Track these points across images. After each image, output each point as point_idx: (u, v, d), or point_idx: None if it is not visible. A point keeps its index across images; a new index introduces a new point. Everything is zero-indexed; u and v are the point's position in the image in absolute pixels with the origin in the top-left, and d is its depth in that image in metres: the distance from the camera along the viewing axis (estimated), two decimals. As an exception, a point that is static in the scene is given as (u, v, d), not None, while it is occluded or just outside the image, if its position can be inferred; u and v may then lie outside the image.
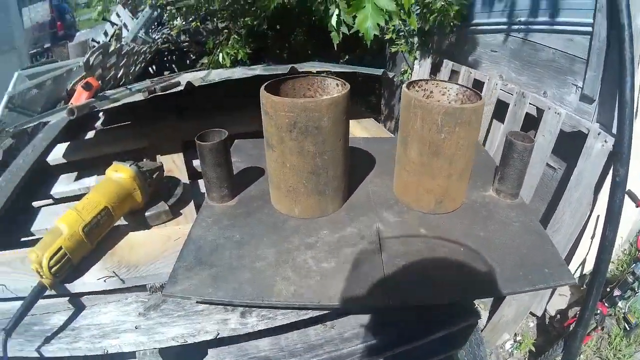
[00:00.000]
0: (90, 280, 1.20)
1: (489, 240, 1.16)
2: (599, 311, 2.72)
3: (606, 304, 2.77)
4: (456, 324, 1.27)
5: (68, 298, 1.23)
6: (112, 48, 3.32)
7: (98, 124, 3.06)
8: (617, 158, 2.15)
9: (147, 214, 1.44)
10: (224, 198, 1.31)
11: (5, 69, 4.76)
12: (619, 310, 3.04)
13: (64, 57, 8.98)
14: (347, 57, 4.59)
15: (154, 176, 1.49)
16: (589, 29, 2.33)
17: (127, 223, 1.47)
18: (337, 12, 2.23)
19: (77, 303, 1.24)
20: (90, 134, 2.79)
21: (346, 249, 1.11)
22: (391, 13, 2.03)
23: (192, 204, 1.56)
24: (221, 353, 1.20)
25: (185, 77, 2.73)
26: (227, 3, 4.36)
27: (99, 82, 2.52)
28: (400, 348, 1.20)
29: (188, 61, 4.98)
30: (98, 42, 6.33)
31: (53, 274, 1.11)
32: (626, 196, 2.62)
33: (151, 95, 1.95)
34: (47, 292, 1.16)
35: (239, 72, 2.39)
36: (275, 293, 0.98)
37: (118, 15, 6.43)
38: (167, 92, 2.00)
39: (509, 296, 2.76)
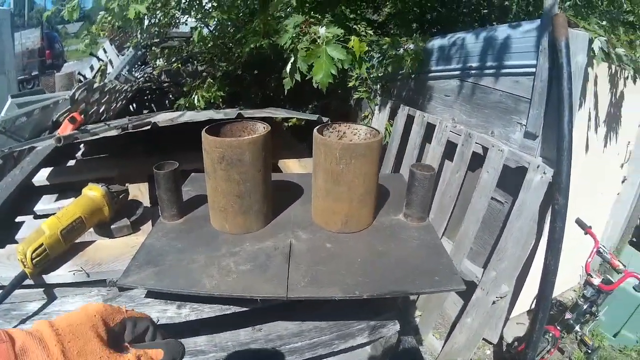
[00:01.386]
0: (62, 273, 1.43)
1: (386, 253, 1.37)
2: (550, 334, 2.86)
3: (558, 327, 2.90)
4: (374, 334, 1.45)
5: (43, 289, 1.45)
6: (96, 85, 3.47)
7: (79, 153, 3.25)
8: (556, 188, 2.32)
9: (112, 226, 1.68)
10: (174, 217, 1.55)
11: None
12: (577, 335, 3.16)
13: (50, 86, 9.13)
14: (316, 103, 4.76)
15: (120, 197, 1.75)
16: (533, 69, 2.52)
17: (96, 234, 1.71)
18: (292, 59, 2.41)
19: (51, 294, 1.47)
20: (72, 162, 3.02)
21: (262, 256, 1.34)
22: (342, 62, 2.22)
23: (150, 222, 1.78)
24: None
25: (160, 117, 2.94)
26: (207, 47, 4.55)
27: (82, 116, 2.71)
28: (316, 351, 1.39)
29: (167, 101, 5.16)
30: (84, 76, 6.47)
31: (34, 264, 1.33)
32: (577, 225, 2.81)
33: (124, 132, 2.21)
34: (28, 281, 1.38)
35: (204, 115, 2.61)
36: (201, 285, 1.21)
37: (105, 51, 6.58)
38: (138, 130, 2.24)
39: (459, 322, 2.88)
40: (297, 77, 2.43)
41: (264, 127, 1.46)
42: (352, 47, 2.37)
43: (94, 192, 1.64)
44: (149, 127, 2.24)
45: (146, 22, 4.40)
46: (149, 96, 5.60)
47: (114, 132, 2.25)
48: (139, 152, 2.95)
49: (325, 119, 1.93)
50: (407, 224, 1.55)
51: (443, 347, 3.10)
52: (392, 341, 1.51)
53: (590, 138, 2.80)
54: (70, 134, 2.22)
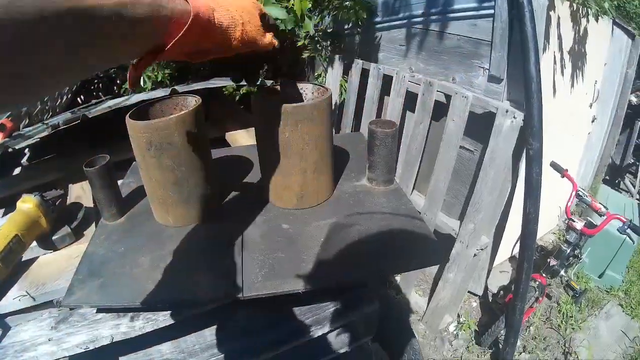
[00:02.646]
0: (7, 302, 1.34)
1: (352, 228, 1.20)
2: (537, 282, 2.80)
3: (544, 275, 2.85)
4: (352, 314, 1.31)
5: None
6: None
7: (24, 159, 3.07)
8: (529, 132, 2.20)
9: (53, 237, 1.56)
10: (114, 216, 1.36)
11: None
12: (562, 279, 3.12)
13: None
14: (265, 66, 4.59)
15: (57, 203, 1.64)
16: (491, 11, 2.40)
17: (40, 247, 1.59)
18: None
19: (4, 325, 1.33)
20: (17, 170, 2.84)
21: (211, 250, 1.17)
22: (284, 21, 2.06)
23: (93, 225, 1.63)
24: (129, 359, 1.28)
25: (106, 104, 2.76)
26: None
27: (13, 122, 2.55)
28: (288, 345, 1.26)
29: (115, 87, 4.93)
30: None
31: None
32: (552, 168, 2.73)
33: (54, 130, 2.04)
34: None
35: (145, 97, 2.44)
36: (146, 295, 1.04)
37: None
38: (69, 125, 2.07)
39: (442, 278, 2.81)
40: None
41: (195, 101, 1.26)
42: (293, 5, 2.22)
43: (27, 204, 1.53)
44: (78, 121, 2.07)
45: None
46: (96, 85, 5.36)
47: (45, 133, 2.08)
48: (83, 148, 2.77)
49: (269, 83, 1.76)
50: (372, 190, 1.37)
51: (428, 304, 3.05)
52: (374, 318, 1.38)
53: (557, 81, 2.71)
54: (0, 143, 2.09)
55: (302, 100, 1.32)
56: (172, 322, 1.20)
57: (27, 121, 3.19)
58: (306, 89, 1.32)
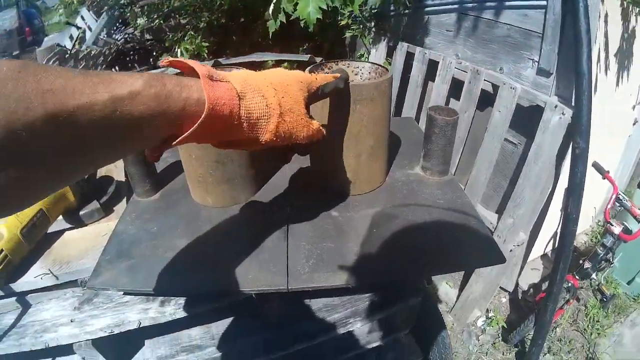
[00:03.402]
0: (30, 279, 1.26)
1: (405, 220, 1.11)
2: (570, 284, 2.71)
3: (577, 277, 2.76)
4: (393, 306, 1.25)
5: (15, 298, 1.29)
6: (68, 53, 3.30)
7: None
8: (576, 130, 2.11)
9: (81, 213, 1.46)
10: (148, 193, 1.29)
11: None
12: (593, 282, 3.04)
13: (33, 63, 8.97)
14: (306, 45, 4.54)
15: (86, 176, 1.55)
16: (544, 2, 2.29)
17: (66, 222, 1.49)
18: (274, 0, 2.20)
19: (24, 302, 1.30)
20: None
21: (253, 234, 1.09)
22: None
23: (124, 201, 1.56)
24: (156, 343, 1.26)
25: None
26: (185, 1, 4.32)
27: None
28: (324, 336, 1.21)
29: (151, 59, 4.91)
30: (64, 47, 6.25)
31: None
32: (593, 168, 2.64)
33: None
34: None
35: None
36: (181, 282, 0.99)
37: (83, 18, 6.35)
38: None
39: (475, 272, 2.75)
40: (282, 17, 2.24)
41: None
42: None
43: (53, 176, 1.46)
44: None
45: None
46: (132, 56, 5.34)
47: None
48: None
49: (319, 59, 1.68)
50: (426, 179, 1.29)
51: (458, 296, 3.00)
52: (414, 311, 1.33)
53: (600, 79, 2.56)
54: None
55: (358, 80, 1.23)
56: (206, 309, 1.16)
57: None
58: (362, 68, 1.23)
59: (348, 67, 1.23)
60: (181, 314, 1.15)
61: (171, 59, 0.66)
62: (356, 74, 1.23)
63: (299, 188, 1.26)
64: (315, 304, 1.24)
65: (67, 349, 1.20)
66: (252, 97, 0.64)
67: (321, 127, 0.81)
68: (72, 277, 1.28)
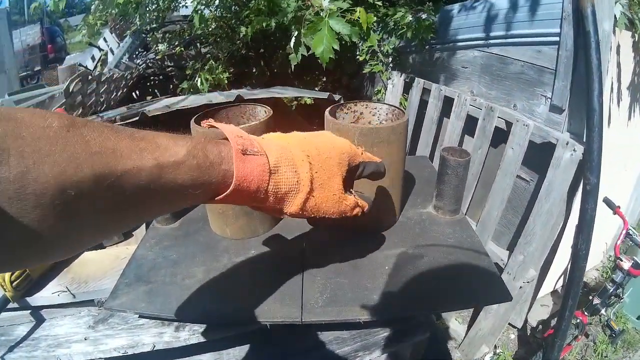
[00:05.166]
0: (47, 294, 1.31)
1: (417, 258, 1.14)
2: (578, 320, 2.71)
3: (586, 313, 2.76)
4: (402, 340, 1.28)
5: (30, 311, 1.34)
6: (91, 75, 3.37)
7: None
8: (587, 166, 2.13)
9: None
10: (168, 220, 1.34)
11: (-5, 92, 4.85)
12: (602, 318, 3.03)
13: (54, 80, 9.12)
14: (324, 79, 4.60)
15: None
16: (557, 38, 2.33)
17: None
18: (295, 33, 2.26)
19: (38, 316, 1.35)
20: None
21: (269, 267, 1.13)
22: (349, 35, 2.06)
23: (143, 226, 1.60)
24: None
25: (159, 103, 2.78)
26: (209, 30, 4.40)
27: (69, 111, 2.59)
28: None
29: (171, 86, 4.99)
30: (85, 67, 6.37)
31: (14, 287, 1.24)
32: (604, 204, 2.65)
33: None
34: (11, 305, 1.29)
35: (203, 99, 2.44)
36: (197, 310, 1.02)
37: (105, 40, 6.48)
38: (127, 121, 2.09)
39: (485, 309, 2.75)
40: (304, 51, 2.29)
41: (265, 112, 1.22)
42: (359, 18, 2.21)
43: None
44: (136, 117, 2.08)
45: (147, 6, 4.30)
46: (153, 82, 5.43)
47: None
48: None
49: (337, 97, 1.71)
50: (438, 218, 1.31)
51: (467, 333, 2.98)
52: (422, 347, 1.35)
53: (613, 111, 2.61)
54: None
55: (375, 121, 1.28)
56: (219, 336, 1.19)
57: (80, 111, 3.25)
58: (380, 110, 1.27)
59: (366, 107, 1.27)
60: (195, 340, 1.18)
61: (212, 122, 0.71)
62: (373, 115, 1.28)
63: (316, 223, 1.30)
64: (326, 336, 1.26)
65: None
66: (285, 171, 0.65)
67: (359, 203, 0.80)
68: (89, 296, 1.32)
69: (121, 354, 1.19)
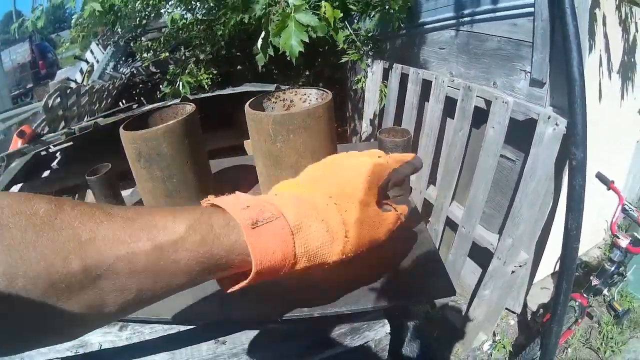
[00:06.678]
0: None
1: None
2: (577, 303, 2.62)
3: (585, 295, 2.67)
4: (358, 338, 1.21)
5: None
6: (70, 89, 3.41)
7: (54, 163, 3.16)
8: (572, 141, 2.03)
9: None
10: None
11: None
12: (605, 298, 2.94)
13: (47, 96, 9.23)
14: (307, 72, 4.58)
15: None
16: (531, 9, 2.25)
17: None
18: (262, 35, 2.23)
19: None
20: (46, 173, 2.95)
21: None
22: (315, 28, 2.02)
23: None
24: None
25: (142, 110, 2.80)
26: (192, 33, 4.39)
27: (33, 129, 2.65)
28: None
29: (158, 93, 4.97)
30: (75, 81, 6.39)
31: None
32: (597, 180, 2.56)
33: (69, 137, 2.09)
34: None
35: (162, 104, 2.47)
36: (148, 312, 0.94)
37: (92, 52, 6.50)
38: (83, 132, 2.12)
39: (477, 295, 2.68)
40: (270, 51, 2.24)
41: (190, 108, 1.18)
42: (325, 13, 2.16)
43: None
44: (91, 129, 2.08)
45: (128, 15, 4.30)
46: (140, 89, 5.42)
47: (61, 139, 2.12)
48: (99, 156, 2.83)
49: (284, 87, 1.65)
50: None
51: (462, 321, 2.92)
52: (384, 344, 1.27)
53: (604, 85, 2.52)
54: (17, 149, 2.14)
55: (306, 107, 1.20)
56: (158, 335, 1.16)
57: (62, 124, 3.26)
58: (310, 95, 1.20)
59: (296, 95, 1.20)
60: (136, 339, 1.15)
61: (212, 199, 0.59)
62: (304, 102, 1.20)
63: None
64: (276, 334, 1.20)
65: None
66: (310, 224, 0.56)
67: (399, 211, 0.71)
68: None
69: (73, 354, 1.17)
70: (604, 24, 2.34)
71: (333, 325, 1.18)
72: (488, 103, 2.54)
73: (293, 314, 0.89)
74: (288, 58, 2.05)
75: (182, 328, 1.16)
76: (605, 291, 2.73)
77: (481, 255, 2.81)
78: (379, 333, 1.21)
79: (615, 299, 2.95)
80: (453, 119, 2.82)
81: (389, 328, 1.20)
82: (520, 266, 2.53)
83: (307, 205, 0.58)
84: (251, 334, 1.19)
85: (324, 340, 1.18)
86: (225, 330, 1.19)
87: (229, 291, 0.57)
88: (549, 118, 2.17)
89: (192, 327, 1.12)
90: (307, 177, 0.67)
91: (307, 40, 1.98)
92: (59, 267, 0.37)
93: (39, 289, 0.36)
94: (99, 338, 1.16)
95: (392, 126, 1.20)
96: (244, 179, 1.44)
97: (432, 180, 3.29)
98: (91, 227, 0.41)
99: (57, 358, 1.17)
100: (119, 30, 4.97)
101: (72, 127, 2.95)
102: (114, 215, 0.44)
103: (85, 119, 3.62)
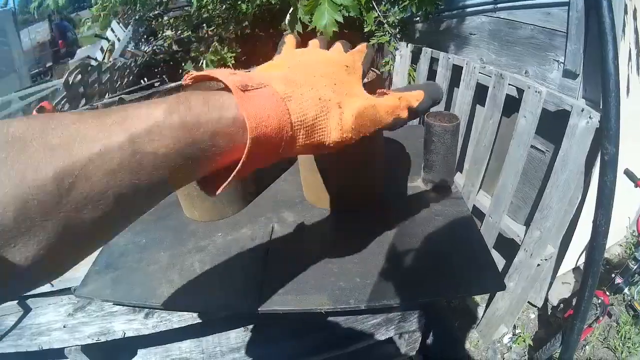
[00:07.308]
0: None
1: (398, 239, 0.99)
2: (600, 300, 2.57)
3: (608, 292, 2.62)
4: (394, 329, 1.17)
5: (17, 301, 1.38)
6: (91, 66, 3.39)
7: None
8: (605, 135, 1.97)
9: None
10: None
11: (6, 91, 4.87)
12: (625, 297, 2.89)
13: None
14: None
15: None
16: (566, -1, 2.19)
17: None
18: (290, 10, 2.18)
19: (24, 306, 1.38)
20: None
21: (234, 251, 1.01)
22: (348, 7, 1.98)
23: None
24: (148, 353, 1.29)
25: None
26: (213, 13, 4.34)
27: (53, 105, 2.60)
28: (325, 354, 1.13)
29: (180, 71, 4.94)
30: (95, 59, 6.38)
31: None
32: (625, 176, 2.50)
33: None
34: None
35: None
36: (157, 296, 0.91)
37: (113, 31, 6.48)
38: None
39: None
40: (299, 28, 2.20)
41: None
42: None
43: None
44: (115, 105, 2.06)
45: None
46: (162, 68, 5.38)
47: None
48: None
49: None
50: (426, 194, 1.15)
51: (484, 313, 2.88)
52: (417, 336, 1.24)
53: (632, 79, 2.42)
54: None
55: None
56: (187, 323, 1.14)
57: (83, 102, 3.24)
58: None
59: None
60: (163, 327, 1.15)
61: (195, 73, 0.53)
62: None
63: (287, 203, 1.18)
64: (314, 321, 1.18)
65: (60, 353, 1.25)
66: (301, 94, 0.50)
67: (404, 96, 0.63)
68: (66, 284, 1.30)
69: (95, 341, 1.19)
70: (635, 16, 2.26)
71: (368, 316, 1.16)
72: (520, 92, 2.47)
73: (337, 306, 0.84)
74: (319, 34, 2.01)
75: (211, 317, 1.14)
76: (626, 290, 2.69)
77: (506, 246, 2.78)
78: (413, 324, 1.18)
79: (636, 298, 2.89)
80: (483, 106, 2.77)
81: (424, 319, 1.17)
82: (546, 259, 2.48)
83: (294, 77, 0.52)
84: (283, 323, 1.18)
85: (359, 331, 1.15)
86: (257, 318, 1.19)
87: (220, 190, 0.50)
88: (582, 110, 2.11)
89: (223, 315, 1.09)
90: (284, 62, 0.60)
91: (341, 20, 1.94)
92: (29, 181, 0.33)
93: (10, 211, 0.32)
94: (123, 326, 1.16)
95: (441, 111, 1.12)
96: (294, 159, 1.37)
97: (459, 167, 3.25)
98: (62, 131, 0.36)
99: (76, 345, 1.19)
100: (140, 8, 4.91)
101: (94, 104, 2.92)
102: (84, 115, 0.39)
103: (107, 96, 3.61)
